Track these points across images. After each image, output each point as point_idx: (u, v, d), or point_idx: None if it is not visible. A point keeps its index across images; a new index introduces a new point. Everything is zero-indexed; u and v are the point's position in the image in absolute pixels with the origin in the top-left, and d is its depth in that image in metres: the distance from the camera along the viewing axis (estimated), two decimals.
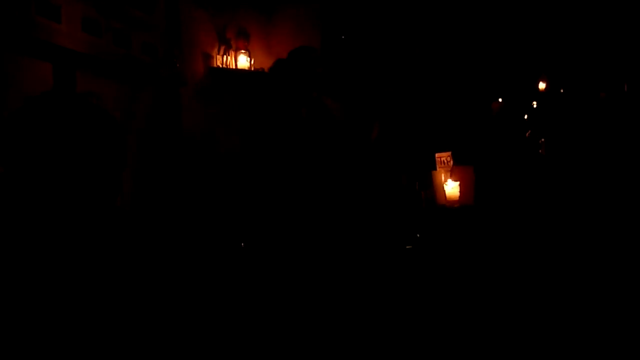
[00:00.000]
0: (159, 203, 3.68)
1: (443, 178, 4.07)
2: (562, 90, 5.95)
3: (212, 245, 3.68)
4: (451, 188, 4.02)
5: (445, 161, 4.09)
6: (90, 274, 2.76)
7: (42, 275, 2.52)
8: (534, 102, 5.92)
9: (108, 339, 2.59)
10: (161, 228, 3.51)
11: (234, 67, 4.73)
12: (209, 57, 4.67)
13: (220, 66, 4.69)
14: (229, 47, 4.75)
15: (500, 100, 5.65)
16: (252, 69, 4.76)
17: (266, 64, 4.86)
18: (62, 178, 2.64)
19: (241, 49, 4.76)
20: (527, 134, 5.60)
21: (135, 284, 3.03)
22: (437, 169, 4.13)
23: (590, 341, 2.85)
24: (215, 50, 4.71)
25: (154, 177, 3.79)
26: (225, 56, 4.72)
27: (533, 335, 2.94)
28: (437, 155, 4.14)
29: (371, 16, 5.36)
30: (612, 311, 3.10)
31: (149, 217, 3.51)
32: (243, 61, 4.73)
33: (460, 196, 4.01)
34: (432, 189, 4.18)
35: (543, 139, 5.59)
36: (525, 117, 5.81)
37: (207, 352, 2.85)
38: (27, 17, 3.02)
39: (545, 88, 5.98)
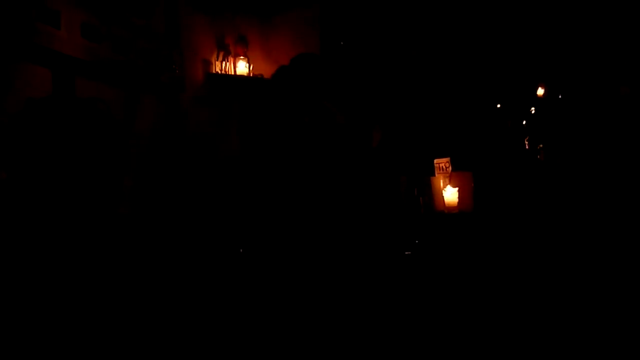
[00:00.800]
0: (159, 209, 3.68)
1: (442, 184, 4.07)
2: (560, 96, 5.96)
3: (211, 251, 3.68)
4: (450, 194, 4.02)
5: (444, 167, 4.09)
6: (91, 279, 2.76)
7: (44, 279, 2.52)
8: (533, 108, 5.92)
9: (106, 342, 2.59)
10: (161, 234, 3.51)
11: (232, 73, 4.74)
12: (208, 63, 4.68)
13: (219, 72, 4.70)
14: (228, 53, 4.76)
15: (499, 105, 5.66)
16: (251, 75, 4.76)
17: (265, 70, 4.87)
18: (65, 183, 2.65)
19: (240, 55, 4.77)
20: (525, 140, 5.60)
21: (134, 290, 3.03)
22: (436, 174, 4.13)
23: (588, 346, 2.85)
24: (214, 56, 4.72)
25: (155, 183, 3.79)
26: (224, 62, 4.72)
27: (531, 342, 2.94)
28: (435, 161, 4.14)
29: (370, 23, 5.37)
30: (611, 318, 3.10)
31: (149, 224, 3.50)
32: (242, 67, 4.74)
33: (459, 202, 4.02)
34: (431, 195, 4.19)
35: (541, 145, 5.60)
36: (524, 123, 5.82)
37: (206, 356, 2.85)
38: (27, 22, 3.02)
39: (544, 94, 5.98)
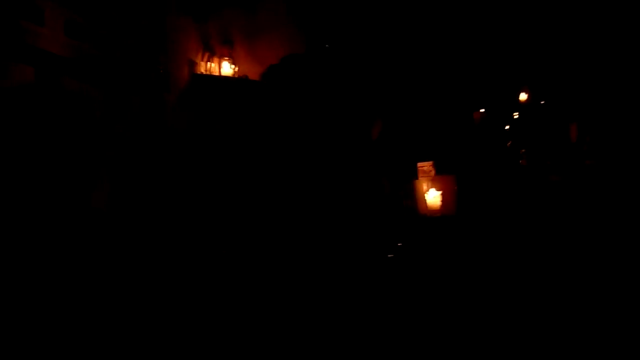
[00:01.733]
0: (140, 207, 3.66)
1: (425, 187, 4.09)
2: (542, 102, 6.02)
3: (194, 251, 3.66)
4: (433, 197, 4.04)
5: (427, 170, 4.11)
6: (57, 272, 2.74)
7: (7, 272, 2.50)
8: (516, 113, 5.98)
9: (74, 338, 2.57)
10: (141, 233, 3.49)
11: (217, 73, 4.73)
12: (193, 64, 4.66)
13: (204, 73, 4.68)
14: (213, 54, 4.75)
15: (482, 110, 5.70)
16: (236, 76, 4.76)
17: (250, 71, 4.87)
18: (32, 172, 2.63)
19: (225, 56, 4.76)
20: (508, 145, 5.66)
21: (106, 287, 3.01)
22: (419, 178, 4.15)
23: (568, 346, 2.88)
24: (200, 56, 4.70)
25: (136, 182, 3.76)
26: (209, 63, 4.71)
27: (510, 342, 2.97)
28: (419, 164, 4.16)
29: (355, 26, 5.39)
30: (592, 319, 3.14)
31: (128, 221, 3.48)
32: (227, 68, 4.73)
33: (441, 206, 4.04)
34: (414, 198, 4.20)
35: (524, 150, 5.66)
36: (507, 127, 5.87)
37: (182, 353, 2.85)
38: (11, 20, 3.00)
39: (527, 99, 6.05)
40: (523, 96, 6.06)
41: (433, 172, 4.08)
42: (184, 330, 3.00)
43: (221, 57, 4.76)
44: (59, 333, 2.60)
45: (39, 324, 2.58)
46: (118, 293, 3.01)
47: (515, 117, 5.99)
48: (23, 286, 2.58)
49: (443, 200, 4.04)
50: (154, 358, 2.81)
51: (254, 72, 4.86)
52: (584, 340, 2.94)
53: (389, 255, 3.96)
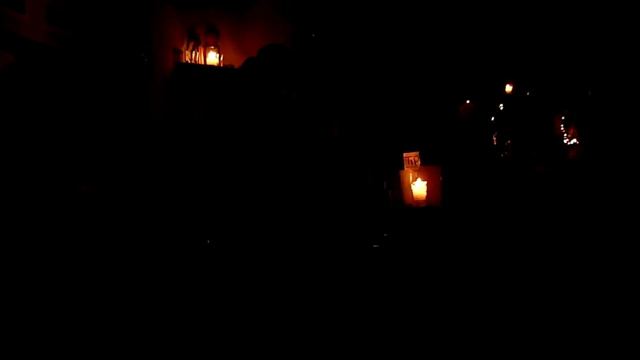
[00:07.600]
0: (123, 196, 3.62)
1: (411, 178, 4.08)
2: (528, 93, 6.05)
3: (177, 241, 3.64)
4: (418, 188, 4.04)
5: (413, 161, 4.11)
6: (43, 257, 2.72)
7: None
8: (501, 105, 6.00)
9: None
10: (124, 220, 3.46)
11: (202, 63, 4.69)
12: (178, 53, 4.62)
13: (189, 62, 4.64)
14: (198, 43, 4.70)
15: (468, 102, 5.70)
16: (222, 65, 4.72)
17: (236, 60, 4.82)
18: (20, 156, 2.61)
19: (210, 45, 4.71)
20: (493, 136, 5.67)
21: (91, 271, 2.99)
22: (405, 168, 4.14)
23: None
24: (184, 45, 4.66)
25: (118, 172, 3.72)
26: (194, 52, 4.67)
27: (493, 333, 2.98)
28: (404, 154, 4.15)
29: (341, 15, 5.37)
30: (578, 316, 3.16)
31: (112, 209, 3.45)
32: (212, 57, 4.69)
33: (427, 196, 4.04)
34: (400, 189, 4.20)
35: (509, 141, 5.68)
36: (492, 119, 5.88)
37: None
38: None
39: (512, 91, 6.06)
40: (508, 88, 6.08)
41: (419, 163, 4.08)
42: (165, 321, 2.99)
43: (206, 47, 4.71)
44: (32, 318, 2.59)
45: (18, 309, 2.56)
46: (98, 273, 3.00)
47: (501, 108, 6.01)
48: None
49: (429, 191, 4.04)
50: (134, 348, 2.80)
51: (241, 62, 4.82)
52: (569, 337, 2.96)
53: (375, 246, 3.96)
